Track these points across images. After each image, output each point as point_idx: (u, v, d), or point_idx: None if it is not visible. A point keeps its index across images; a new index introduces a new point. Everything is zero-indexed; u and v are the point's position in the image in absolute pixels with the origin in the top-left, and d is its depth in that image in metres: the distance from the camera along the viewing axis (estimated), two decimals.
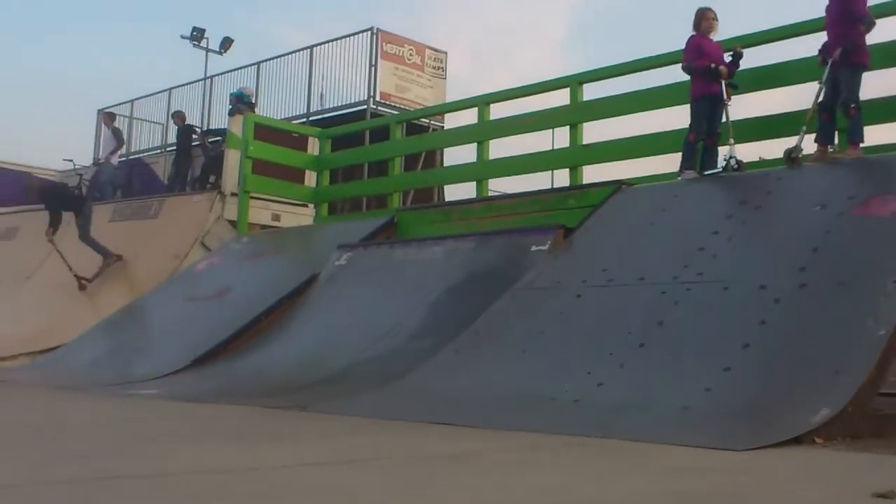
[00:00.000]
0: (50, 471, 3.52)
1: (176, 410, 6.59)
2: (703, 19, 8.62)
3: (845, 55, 7.57)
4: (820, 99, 7.80)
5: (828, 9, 7.89)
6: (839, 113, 7.74)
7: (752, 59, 8.85)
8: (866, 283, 5.59)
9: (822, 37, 8.02)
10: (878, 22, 7.74)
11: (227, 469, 3.65)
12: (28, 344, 11.74)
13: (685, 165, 8.57)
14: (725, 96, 8.49)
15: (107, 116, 19.72)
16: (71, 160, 21.71)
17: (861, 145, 7.63)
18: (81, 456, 3.99)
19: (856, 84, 7.66)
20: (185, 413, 6.40)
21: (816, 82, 7.87)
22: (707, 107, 8.52)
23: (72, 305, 13.00)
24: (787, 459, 4.02)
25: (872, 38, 7.77)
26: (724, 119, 8.55)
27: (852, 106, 7.58)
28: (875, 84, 8.17)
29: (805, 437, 4.42)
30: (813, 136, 7.90)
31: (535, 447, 4.45)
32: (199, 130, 18.76)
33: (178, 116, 18.68)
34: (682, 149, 8.63)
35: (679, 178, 8.62)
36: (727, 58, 8.60)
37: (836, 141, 7.89)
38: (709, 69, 8.43)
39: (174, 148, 20.28)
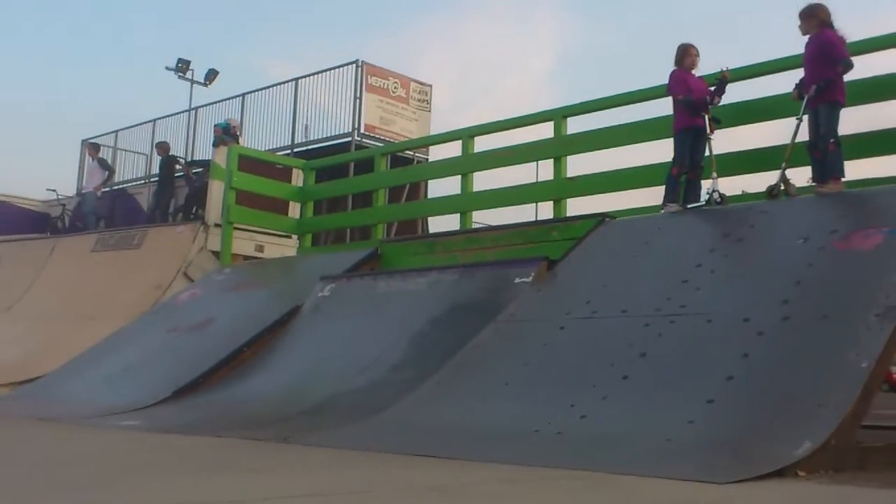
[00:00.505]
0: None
1: (158, 442, 6.54)
2: (687, 55, 8.72)
3: (819, 91, 7.71)
4: (798, 135, 7.93)
5: (806, 47, 8.01)
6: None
7: (735, 93, 8.94)
8: (849, 317, 5.62)
9: (801, 72, 8.13)
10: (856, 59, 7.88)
11: (210, 502, 3.62)
12: (9, 374, 11.65)
13: (668, 199, 8.63)
14: (709, 130, 8.56)
15: (91, 148, 19.69)
16: (54, 190, 21.71)
17: (842, 179, 7.73)
18: (64, 488, 3.96)
19: (834, 120, 7.81)
20: (167, 445, 6.35)
21: (794, 118, 7.99)
22: (690, 139, 8.59)
23: (52, 336, 12.91)
24: (770, 493, 4.02)
25: (850, 76, 7.91)
26: (707, 153, 8.62)
27: (831, 141, 7.72)
28: (856, 119, 8.31)
29: (788, 470, 4.42)
30: (794, 169, 8.02)
31: (520, 480, 4.43)
32: (182, 161, 18.75)
33: (162, 147, 18.65)
34: (665, 182, 8.69)
35: (662, 212, 8.67)
36: (712, 89, 8.67)
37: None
38: (704, 101, 8.51)
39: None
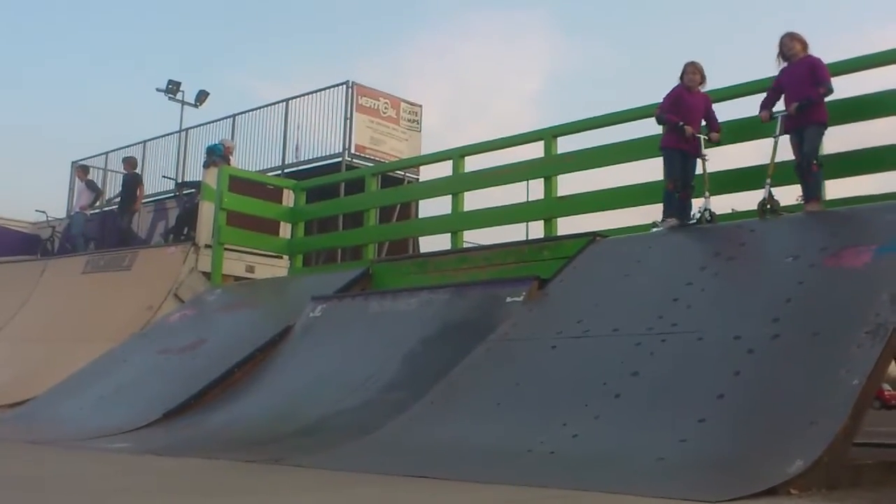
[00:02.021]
0: None
1: (148, 464, 6.50)
2: (685, 73, 8.72)
3: (801, 110, 7.84)
4: (778, 151, 8.04)
5: (787, 72, 8.13)
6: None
7: (728, 112, 8.99)
8: (839, 334, 5.63)
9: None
10: (845, 79, 8.02)
11: None
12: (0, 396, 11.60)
13: (667, 214, 8.62)
14: (701, 149, 8.55)
15: (80, 170, 19.63)
16: (44, 212, 21.65)
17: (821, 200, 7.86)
18: None
19: (818, 142, 7.95)
20: (156, 467, 6.32)
21: (772, 137, 8.11)
22: (678, 158, 8.61)
23: (43, 358, 12.86)
24: None
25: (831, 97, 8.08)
26: (699, 171, 8.62)
27: (814, 163, 7.83)
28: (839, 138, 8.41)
29: (780, 489, 4.41)
30: (779, 187, 8.11)
31: (513, 500, 4.42)
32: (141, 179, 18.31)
33: (129, 162, 18.26)
34: (663, 198, 8.68)
35: (660, 227, 8.62)
36: (703, 128, 8.66)
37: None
38: (676, 125, 8.54)
39: (149, 200, 20.15)
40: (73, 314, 14.13)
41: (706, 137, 8.59)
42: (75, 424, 8.95)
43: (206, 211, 14.13)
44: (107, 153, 23.33)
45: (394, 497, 4.61)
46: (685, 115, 8.59)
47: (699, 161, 8.65)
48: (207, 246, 13.69)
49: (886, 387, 37.97)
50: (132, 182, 17.74)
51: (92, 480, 5.54)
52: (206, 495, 4.73)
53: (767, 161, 8.52)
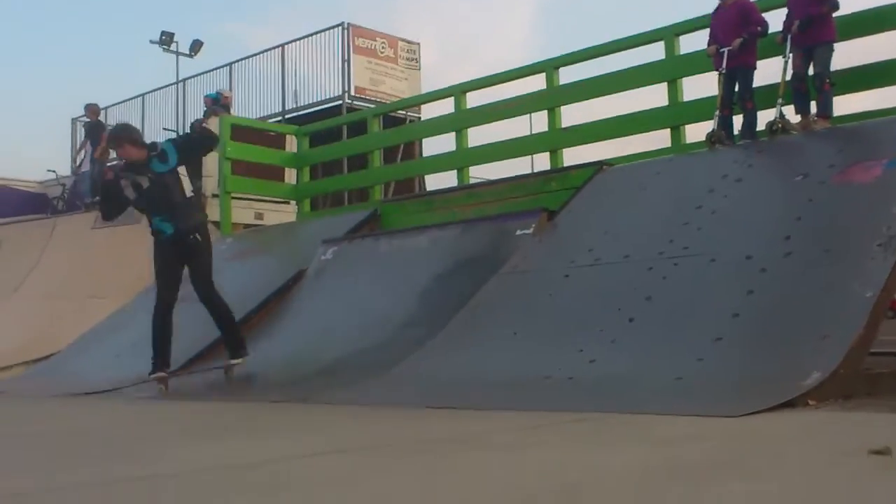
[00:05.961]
0: (57, 477, 3.53)
1: (174, 410, 6.60)
2: None
3: (803, 28, 7.81)
4: (790, 72, 7.98)
5: None
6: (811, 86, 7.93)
7: None
8: (851, 249, 5.67)
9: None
10: None
11: (233, 465, 3.67)
12: (21, 354, 11.73)
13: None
14: (722, 63, 8.44)
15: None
16: (54, 171, 21.67)
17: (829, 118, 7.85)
18: (87, 460, 4.01)
19: (829, 60, 7.87)
20: (183, 412, 6.42)
21: (781, 57, 8.05)
22: (722, 79, 8.56)
23: (62, 314, 12.97)
24: (781, 423, 4.08)
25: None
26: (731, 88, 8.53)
27: (826, 81, 7.78)
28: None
29: (798, 401, 4.48)
30: (791, 107, 8.07)
31: (535, 426, 4.49)
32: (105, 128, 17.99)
33: (91, 110, 17.97)
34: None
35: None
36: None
37: (813, 111, 8.01)
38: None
39: None
40: (85, 271, 14.21)
41: (729, 49, 8.39)
42: (98, 376, 9.05)
43: (211, 161, 14.12)
44: (105, 108, 23.23)
45: (418, 428, 4.69)
46: (718, 34, 8.54)
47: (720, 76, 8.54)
48: (215, 196, 13.71)
49: None
50: (95, 130, 17.49)
51: (119, 428, 5.65)
52: (232, 437, 4.81)
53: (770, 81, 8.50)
